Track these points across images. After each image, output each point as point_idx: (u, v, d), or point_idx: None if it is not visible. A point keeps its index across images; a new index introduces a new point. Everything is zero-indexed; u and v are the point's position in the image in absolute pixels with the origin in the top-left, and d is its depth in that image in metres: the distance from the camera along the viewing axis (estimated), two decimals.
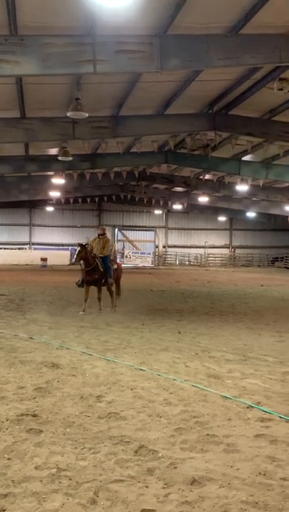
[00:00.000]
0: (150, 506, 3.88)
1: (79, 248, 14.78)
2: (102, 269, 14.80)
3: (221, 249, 53.98)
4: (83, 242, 16.06)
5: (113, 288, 15.57)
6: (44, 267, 41.72)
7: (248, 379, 7.49)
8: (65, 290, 21.42)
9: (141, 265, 47.51)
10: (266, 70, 14.81)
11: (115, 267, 15.85)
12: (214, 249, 53.55)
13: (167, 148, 25.74)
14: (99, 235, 15.55)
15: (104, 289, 15.15)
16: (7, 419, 5.63)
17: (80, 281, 15.18)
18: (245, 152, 24.84)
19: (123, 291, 16.96)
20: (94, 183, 34.08)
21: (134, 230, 53.19)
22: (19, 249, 48.51)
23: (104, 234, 15.62)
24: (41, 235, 50.62)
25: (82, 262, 14.78)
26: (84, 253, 14.63)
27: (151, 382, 7.23)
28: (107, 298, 15.35)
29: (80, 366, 8.08)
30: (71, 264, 45.37)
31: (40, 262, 42.61)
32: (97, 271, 14.74)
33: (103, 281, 14.97)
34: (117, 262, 17.05)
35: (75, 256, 15.00)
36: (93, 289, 15.00)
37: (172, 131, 20.73)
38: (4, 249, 47.74)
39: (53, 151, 25.20)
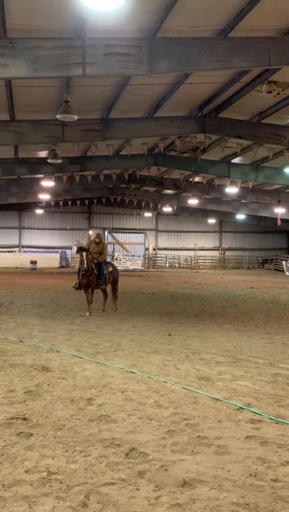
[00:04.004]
0: (141, 509, 3.88)
1: (85, 253, 14.68)
2: (96, 272, 14.86)
3: (210, 251, 54.08)
4: (78, 245, 16.08)
5: (108, 291, 15.60)
6: (34, 269, 41.58)
7: (238, 381, 7.51)
8: (55, 293, 21.36)
9: (131, 268, 47.52)
10: (255, 73, 14.87)
11: (110, 269, 15.79)
12: (204, 251, 53.64)
13: (157, 150, 25.77)
14: (95, 240, 15.54)
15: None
16: None
17: (77, 285, 15.17)
18: (235, 154, 24.95)
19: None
20: (83, 185, 34.03)
21: (124, 232, 53.16)
22: (9, 252, 48.31)
23: (101, 240, 15.65)
24: (31, 238, 50.45)
25: (86, 265, 14.65)
26: (90, 257, 14.75)
27: (142, 384, 7.23)
28: (100, 300, 15.36)
29: (71, 369, 8.07)
30: (61, 267, 45.41)
31: (29, 265, 42.47)
32: (92, 274, 14.78)
33: (96, 284, 14.99)
34: (113, 263, 16.99)
35: (85, 262, 14.57)
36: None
37: (162, 133, 20.73)
38: None
39: (43, 154, 25.17)
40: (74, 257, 44.32)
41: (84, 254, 14.64)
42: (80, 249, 14.94)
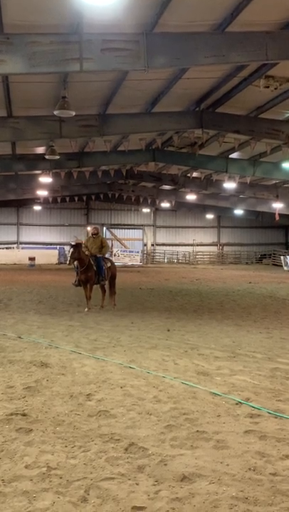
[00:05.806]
0: (141, 503, 3.89)
1: (72, 249, 14.59)
2: (95, 268, 14.75)
3: (209, 246, 54.11)
4: (73, 241, 15.93)
5: (106, 287, 15.57)
6: (32, 266, 41.57)
7: (236, 375, 7.52)
8: (54, 289, 21.36)
9: (129, 264, 47.52)
10: (253, 68, 14.85)
11: (109, 265, 15.74)
12: (202, 246, 53.67)
13: (155, 146, 25.75)
14: (93, 235, 15.47)
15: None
16: None
17: (76, 282, 15.10)
18: (233, 150, 24.91)
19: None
20: (81, 181, 34.00)
21: (122, 228, 53.16)
22: (7, 248, 48.28)
23: (98, 233, 15.57)
24: (29, 234, 50.45)
25: (76, 262, 14.63)
26: (77, 253, 14.49)
27: (141, 380, 7.24)
28: (99, 296, 15.36)
29: (70, 365, 8.07)
30: (59, 263, 45.38)
31: (28, 262, 42.45)
32: (90, 270, 14.68)
33: (96, 280, 14.92)
34: (110, 259, 16.95)
35: (69, 258, 14.78)
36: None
37: (159, 129, 20.73)
38: None
39: (40, 150, 25.13)
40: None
41: (70, 250, 14.61)
42: (72, 246, 14.80)
